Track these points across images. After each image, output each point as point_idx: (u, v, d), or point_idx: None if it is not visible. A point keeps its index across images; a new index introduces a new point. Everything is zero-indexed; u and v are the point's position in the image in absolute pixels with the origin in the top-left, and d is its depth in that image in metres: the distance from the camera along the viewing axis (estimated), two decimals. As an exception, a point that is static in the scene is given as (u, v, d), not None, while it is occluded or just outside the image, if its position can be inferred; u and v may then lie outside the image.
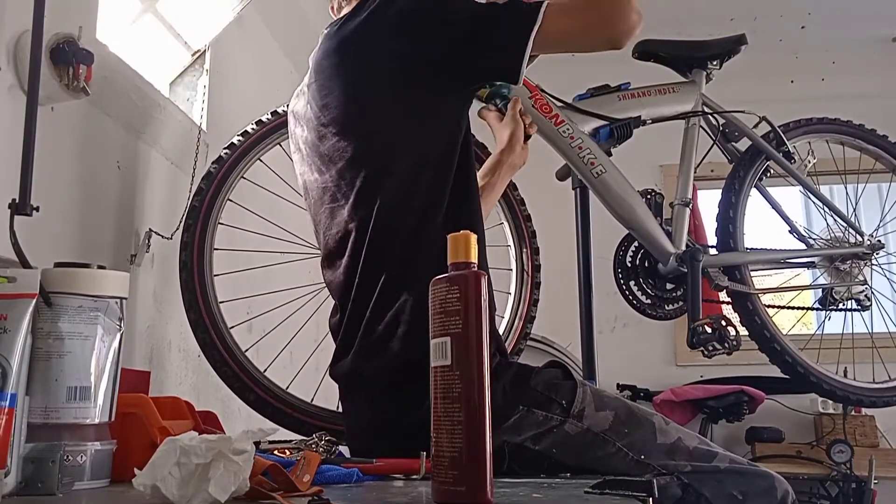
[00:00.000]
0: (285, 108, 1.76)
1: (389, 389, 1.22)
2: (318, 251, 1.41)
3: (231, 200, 1.73)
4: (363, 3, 1.35)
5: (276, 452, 1.09)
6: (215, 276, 1.67)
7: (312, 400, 1.65)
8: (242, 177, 1.74)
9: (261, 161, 1.78)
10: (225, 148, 1.74)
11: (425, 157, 1.27)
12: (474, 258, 0.80)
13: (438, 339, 0.78)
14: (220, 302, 1.66)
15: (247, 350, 1.67)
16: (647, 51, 2.08)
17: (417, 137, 1.28)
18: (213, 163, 1.74)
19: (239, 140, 1.74)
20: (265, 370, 1.67)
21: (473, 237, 0.81)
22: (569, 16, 1.31)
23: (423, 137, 1.28)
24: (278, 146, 1.78)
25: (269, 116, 1.76)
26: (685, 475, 1.18)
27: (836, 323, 2.24)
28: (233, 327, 1.67)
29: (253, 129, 1.75)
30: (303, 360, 1.84)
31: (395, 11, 1.30)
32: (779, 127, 2.09)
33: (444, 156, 1.28)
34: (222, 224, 1.71)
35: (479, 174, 1.63)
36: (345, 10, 1.42)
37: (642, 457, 1.18)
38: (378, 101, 1.30)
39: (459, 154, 1.30)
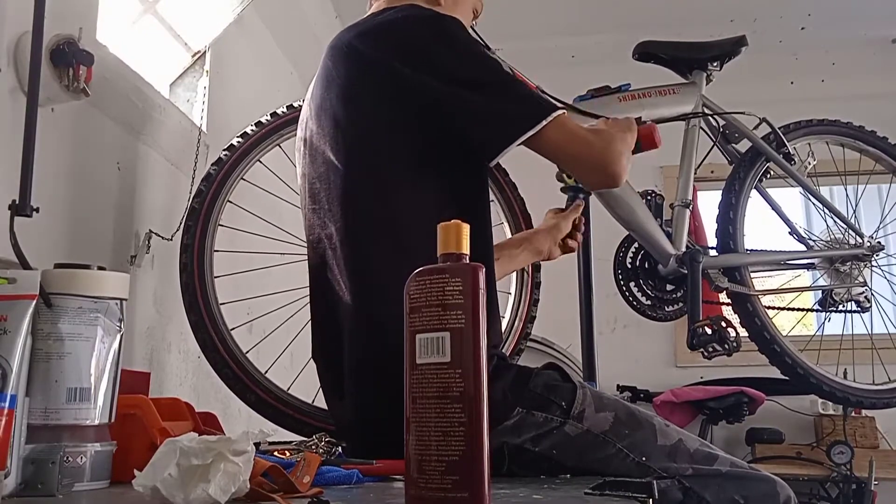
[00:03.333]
0: (284, 110, 1.77)
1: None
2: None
3: (231, 202, 1.73)
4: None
5: (276, 453, 1.08)
6: (216, 277, 1.67)
7: (313, 401, 1.65)
8: (242, 178, 1.74)
9: (260, 162, 1.78)
10: (224, 149, 1.74)
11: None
12: (466, 249, 0.76)
13: (431, 335, 0.73)
14: (221, 303, 1.66)
15: (247, 351, 1.67)
16: (648, 52, 2.08)
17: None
18: (212, 164, 1.74)
19: (238, 141, 1.74)
20: (266, 371, 1.67)
21: (465, 227, 0.77)
22: (571, 136, 1.25)
23: None
24: (278, 147, 1.78)
25: (269, 118, 1.76)
26: (686, 478, 1.18)
27: (835, 324, 2.24)
28: (233, 329, 1.67)
29: (252, 130, 1.75)
30: (303, 362, 1.84)
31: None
32: (779, 128, 2.09)
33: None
34: (222, 226, 1.71)
35: (507, 241, 1.70)
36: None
37: (643, 458, 1.18)
38: None
39: None
